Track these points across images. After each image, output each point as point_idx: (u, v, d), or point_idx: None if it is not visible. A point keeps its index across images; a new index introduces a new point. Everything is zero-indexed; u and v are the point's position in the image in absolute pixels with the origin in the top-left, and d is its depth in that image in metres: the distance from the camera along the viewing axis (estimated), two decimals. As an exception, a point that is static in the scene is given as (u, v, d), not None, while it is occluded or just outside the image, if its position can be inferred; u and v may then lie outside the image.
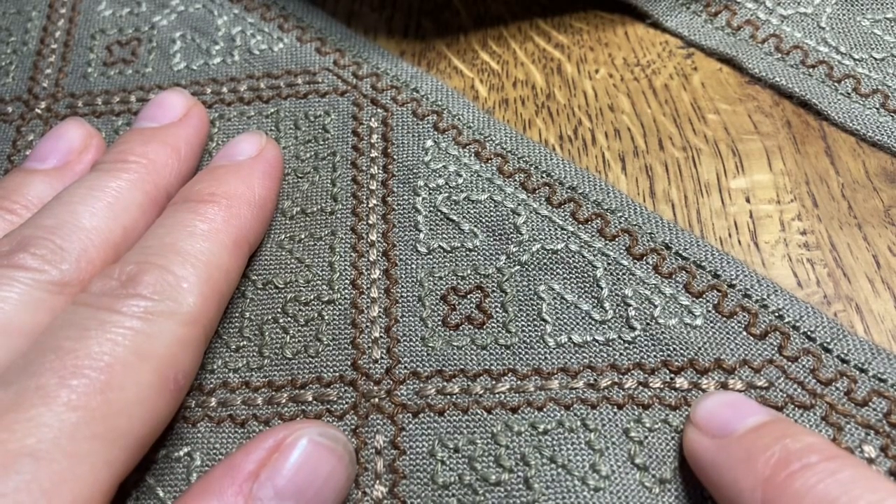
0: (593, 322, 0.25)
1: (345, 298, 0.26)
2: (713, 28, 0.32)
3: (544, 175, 0.28)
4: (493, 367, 0.25)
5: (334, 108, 0.31)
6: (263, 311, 0.27)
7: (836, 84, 0.30)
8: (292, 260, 0.27)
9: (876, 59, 0.30)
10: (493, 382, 0.24)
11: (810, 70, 0.30)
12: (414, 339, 0.25)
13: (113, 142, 0.31)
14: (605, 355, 0.25)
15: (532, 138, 0.30)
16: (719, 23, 0.32)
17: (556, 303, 0.26)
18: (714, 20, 0.32)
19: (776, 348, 0.24)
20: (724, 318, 0.24)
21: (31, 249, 0.23)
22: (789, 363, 0.24)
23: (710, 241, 0.27)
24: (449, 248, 0.27)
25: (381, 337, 0.26)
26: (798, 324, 0.24)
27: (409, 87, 0.31)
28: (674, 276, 0.25)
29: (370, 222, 0.28)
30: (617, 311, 0.25)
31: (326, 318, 0.26)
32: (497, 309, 0.26)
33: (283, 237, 0.28)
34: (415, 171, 0.29)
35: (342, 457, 0.21)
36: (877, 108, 0.29)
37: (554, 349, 0.25)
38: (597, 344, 0.25)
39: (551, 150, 0.29)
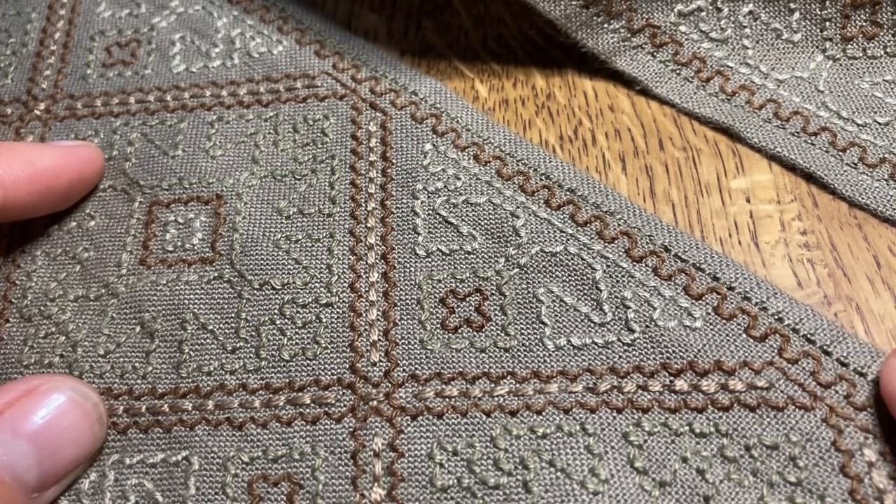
0: (592, 324, 0.25)
1: (343, 301, 0.26)
2: (706, 94, 0.30)
3: (543, 177, 0.28)
4: (491, 370, 0.25)
5: (333, 111, 0.31)
6: (260, 312, 0.26)
7: (840, 154, 0.27)
8: (289, 261, 0.27)
9: (880, 123, 0.28)
10: (492, 385, 0.24)
11: (812, 138, 0.28)
12: (412, 342, 0.25)
13: (111, 144, 0.31)
14: (605, 358, 0.24)
15: (532, 139, 0.30)
16: (712, 89, 0.30)
17: (555, 305, 0.25)
18: (706, 86, 0.30)
19: (776, 350, 0.24)
20: (724, 321, 0.24)
21: None
22: (789, 365, 0.23)
23: (711, 242, 0.27)
24: (448, 251, 0.27)
25: (379, 340, 0.26)
26: (798, 326, 0.24)
27: (407, 91, 0.31)
28: (673, 279, 0.25)
29: (369, 225, 0.28)
30: (616, 313, 0.25)
31: (324, 321, 0.26)
32: (496, 311, 0.26)
33: (279, 237, 0.28)
34: (413, 174, 0.29)
35: (88, 413, 0.23)
36: (885, 181, 0.27)
37: (553, 352, 0.25)
38: (596, 346, 0.25)
39: (551, 150, 0.29)
